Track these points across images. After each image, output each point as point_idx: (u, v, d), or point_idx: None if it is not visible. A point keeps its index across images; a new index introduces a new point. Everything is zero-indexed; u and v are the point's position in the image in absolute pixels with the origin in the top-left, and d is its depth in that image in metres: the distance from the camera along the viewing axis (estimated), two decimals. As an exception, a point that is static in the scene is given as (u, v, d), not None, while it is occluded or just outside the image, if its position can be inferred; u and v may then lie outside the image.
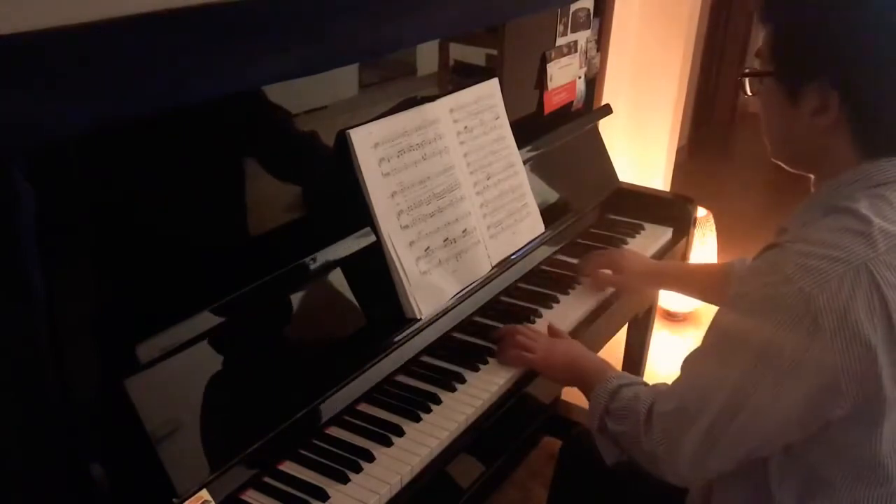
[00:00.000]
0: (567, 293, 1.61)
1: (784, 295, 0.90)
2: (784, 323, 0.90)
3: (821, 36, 0.97)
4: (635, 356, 2.16)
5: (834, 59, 0.96)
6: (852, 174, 0.98)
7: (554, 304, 1.57)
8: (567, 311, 1.56)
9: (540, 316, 1.52)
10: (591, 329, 1.57)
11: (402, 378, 1.32)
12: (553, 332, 1.43)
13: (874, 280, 0.88)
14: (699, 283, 1.59)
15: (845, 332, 0.88)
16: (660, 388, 1.12)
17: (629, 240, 1.87)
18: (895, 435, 0.95)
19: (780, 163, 1.09)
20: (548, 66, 1.82)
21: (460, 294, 1.45)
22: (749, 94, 1.08)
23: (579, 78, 1.96)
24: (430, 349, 1.39)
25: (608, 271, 1.64)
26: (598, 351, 1.67)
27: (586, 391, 1.26)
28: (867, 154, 0.98)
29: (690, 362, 1.06)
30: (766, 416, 0.95)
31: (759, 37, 1.06)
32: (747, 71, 1.08)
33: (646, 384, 1.18)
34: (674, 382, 1.08)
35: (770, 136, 1.09)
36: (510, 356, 1.36)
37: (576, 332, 1.52)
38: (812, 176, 1.07)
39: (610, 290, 1.64)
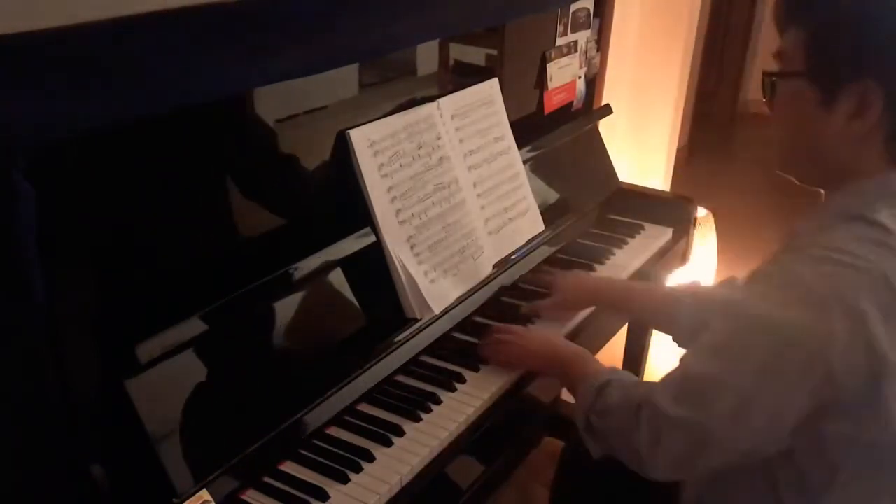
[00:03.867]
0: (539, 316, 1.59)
1: (799, 300, 0.89)
2: (797, 328, 0.89)
3: (867, 34, 0.93)
4: (635, 356, 2.16)
5: (880, 59, 0.92)
6: (873, 184, 0.96)
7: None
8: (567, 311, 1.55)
9: (540, 316, 1.52)
10: (591, 329, 1.56)
11: (402, 378, 1.32)
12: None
13: (892, 290, 0.88)
14: (639, 307, 1.50)
15: (859, 342, 0.87)
16: (653, 386, 1.07)
17: (629, 240, 1.86)
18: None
19: (788, 175, 1.06)
20: (548, 66, 1.81)
21: (460, 294, 1.45)
22: (765, 98, 1.03)
23: (579, 78, 1.96)
24: (430, 349, 1.39)
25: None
26: (597, 351, 1.68)
27: (568, 383, 1.25)
28: (894, 162, 0.96)
29: (691, 360, 1.03)
30: (766, 420, 0.94)
31: (768, 38, 1.05)
32: (776, 71, 1.02)
33: (633, 379, 1.16)
34: (669, 379, 1.03)
35: (787, 144, 1.05)
36: (489, 354, 1.35)
37: (576, 332, 1.52)
38: (822, 191, 1.05)
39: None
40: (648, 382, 1.10)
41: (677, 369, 1.04)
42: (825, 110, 0.96)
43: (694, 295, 1.40)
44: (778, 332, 0.91)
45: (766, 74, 1.03)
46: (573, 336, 1.51)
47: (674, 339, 1.43)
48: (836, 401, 0.90)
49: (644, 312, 1.51)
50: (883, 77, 0.92)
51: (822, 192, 1.06)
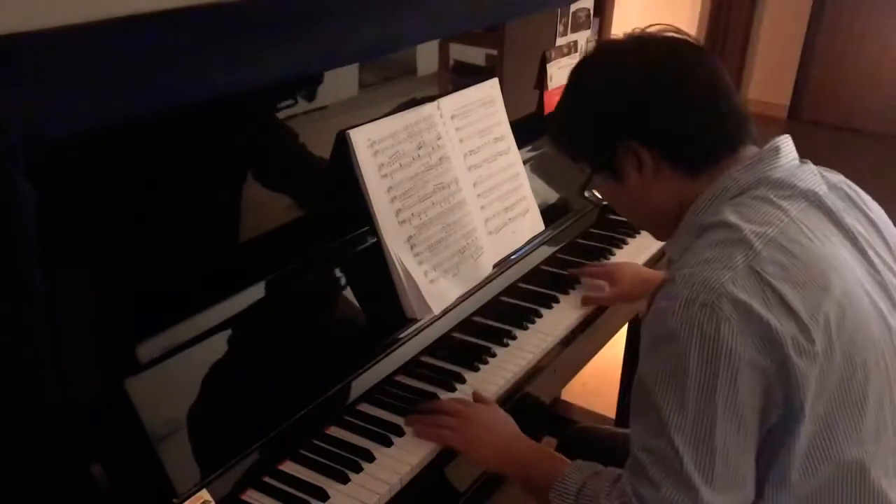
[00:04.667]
0: (567, 293, 1.60)
1: (689, 317, 0.89)
2: (702, 343, 0.88)
3: (597, 115, 1.06)
4: (635, 356, 2.15)
5: (620, 123, 1.03)
6: (709, 192, 1.02)
7: (554, 304, 1.56)
8: (567, 311, 1.55)
9: (540, 316, 1.52)
10: (591, 329, 1.57)
11: (402, 378, 1.32)
12: (478, 398, 1.26)
13: (762, 277, 0.90)
14: None
15: (755, 332, 0.88)
16: (618, 483, 0.99)
17: (629, 240, 1.86)
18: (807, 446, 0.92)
19: (664, 237, 1.13)
20: (548, 66, 1.82)
21: (460, 294, 1.45)
22: (605, 202, 1.18)
23: (579, 78, 1.96)
24: (430, 349, 1.39)
25: (603, 283, 1.60)
26: (597, 351, 1.68)
27: (526, 483, 1.14)
28: (695, 172, 1.03)
29: (637, 437, 0.96)
30: (737, 439, 0.90)
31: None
32: (583, 186, 1.17)
33: (602, 470, 1.05)
34: (633, 464, 0.96)
35: (638, 220, 1.20)
36: (424, 432, 1.18)
37: (576, 333, 1.52)
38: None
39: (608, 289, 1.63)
40: (617, 479, 1.00)
41: (634, 454, 0.96)
42: (623, 182, 1.06)
43: None
44: (689, 363, 0.89)
45: (585, 191, 1.20)
46: (573, 336, 1.51)
47: None
48: (767, 394, 0.90)
49: None
50: (631, 132, 1.03)
51: None
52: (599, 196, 1.17)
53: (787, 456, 0.93)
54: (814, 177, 1.02)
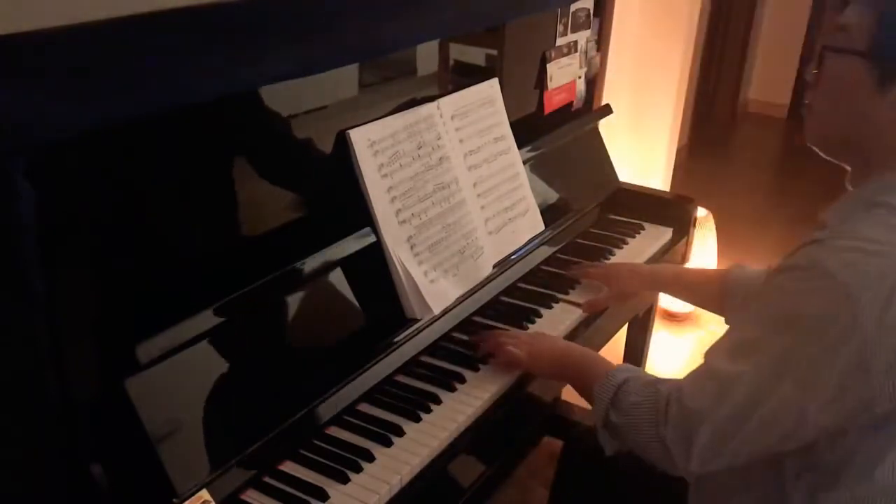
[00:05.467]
0: (567, 293, 1.61)
1: (824, 289, 0.89)
2: (822, 317, 0.89)
3: None
4: (635, 356, 2.16)
5: None
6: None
7: (554, 304, 1.57)
8: (567, 311, 1.56)
9: (540, 316, 1.52)
10: (592, 329, 1.57)
11: (402, 378, 1.32)
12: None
13: None
14: (694, 289, 1.57)
15: (884, 329, 0.87)
16: (677, 383, 1.07)
17: (629, 240, 1.87)
18: None
19: (816, 147, 1.06)
20: (548, 66, 1.82)
21: (460, 294, 1.45)
22: (815, 70, 1.03)
23: (579, 78, 1.96)
24: (430, 349, 1.39)
25: (600, 285, 1.61)
26: (597, 351, 1.67)
27: (580, 384, 1.24)
28: None
29: (714, 352, 1.04)
30: (790, 410, 0.93)
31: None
32: (836, 45, 1.00)
33: (651, 376, 1.15)
34: (695, 376, 1.04)
35: (827, 118, 1.04)
36: (495, 350, 1.35)
37: (576, 332, 1.52)
38: (848, 167, 1.06)
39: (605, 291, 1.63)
40: (670, 379, 1.10)
41: (703, 366, 1.05)
42: (878, 93, 0.96)
43: (743, 277, 1.43)
44: (802, 324, 0.91)
45: (825, 48, 1.02)
46: (573, 336, 1.51)
47: (725, 321, 1.46)
48: (861, 394, 0.90)
49: (700, 295, 1.55)
50: None
51: (850, 186, 1.06)
52: (811, 78, 1.03)
53: (879, 450, 0.93)
54: None
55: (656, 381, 1.11)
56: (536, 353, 1.32)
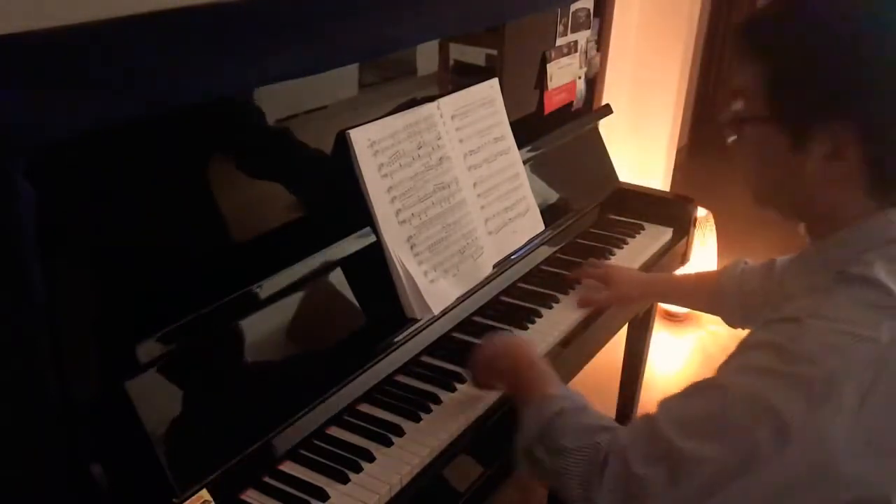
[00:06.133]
0: (567, 293, 1.61)
1: (807, 375, 0.82)
2: (795, 409, 0.81)
3: (837, 68, 0.84)
4: (635, 356, 2.16)
5: (854, 97, 0.84)
6: (861, 231, 0.89)
7: (554, 304, 1.56)
8: (567, 311, 1.56)
9: (540, 316, 1.52)
10: (592, 329, 1.57)
11: (402, 378, 1.32)
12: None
13: None
14: (689, 293, 1.55)
15: (863, 419, 0.81)
16: (620, 437, 0.95)
17: (629, 240, 1.86)
18: None
19: (767, 211, 0.99)
20: (548, 66, 1.81)
21: (460, 294, 1.45)
22: (729, 140, 0.96)
23: (579, 78, 1.96)
24: (430, 349, 1.39)
25: (599, 285, 1.60)
26: (597, 351, 1.68)
27: (516, 391, 1.15)
28: (883, 203, 0.88)
29: (669, 416, 0.92)
30: (750, 497, 0.86)
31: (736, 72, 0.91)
32: (736, 114, 0.93)
33: (589, 418, 1.02)
34: (639, 434, 0.93)
35: (759, 186, 0.98)
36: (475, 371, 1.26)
37: (576, 333, 1.52)
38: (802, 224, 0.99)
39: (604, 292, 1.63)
40: (612, 428, 0.99)
41: (650, 425, 0.93)
42: (797, 154, 0.88)
43: (739, 276, 1.40)
44: (771, 416, 0.83)
45: (724, 120, 0.95)
46: (573, 335, 1.51)
47: (725, 322, 1.45)
48: (836, 478, 0.84)
49: (697, 299, 1.53)
50: (860, 115, 0.84)
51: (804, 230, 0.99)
52: (730, 140, 0.96)
53: None
54: None
55: (596, 429, 0.98)
56: (495, 347, 1.24)
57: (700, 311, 1.59)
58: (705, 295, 1.48)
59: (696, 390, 0.92)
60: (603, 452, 0.94)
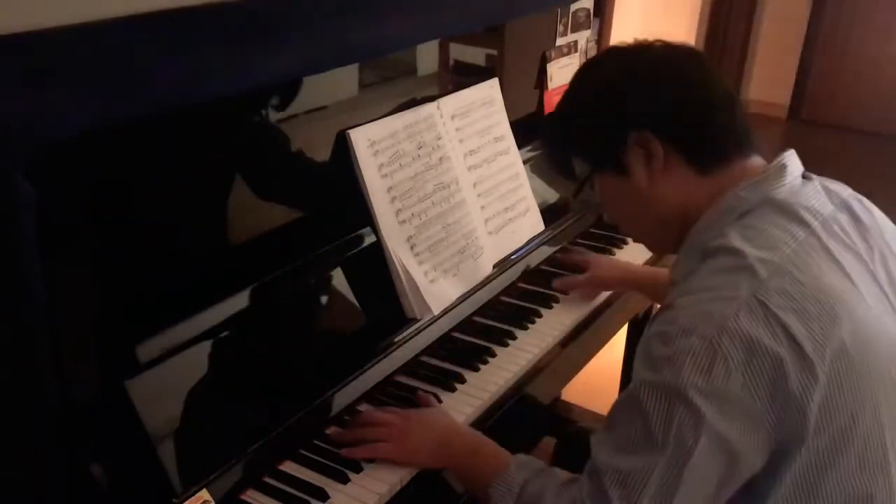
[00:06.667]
0: (567, 293, 1.60)
1: (687, 347, 0.86)
2: (697, 373, 0.86)
3: (614, 98, 1.02)
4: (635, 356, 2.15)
5: (631, 112, 1.01)
6: (715, 213, 0.99)
7: (554, 304, 1.56)
8: (567, 311, 1.55)
9: (540, 316, 1.52)
10: (591, 329, 1.57)
11: (402, 378, 1.32)
12: (423, 401, 1.24)
13: (768, 308, 0.86)
14: (666, 287, 1.55)
15: (756, 362, 0.85)
16: (575, 491, 0.95)
17: (629, 240, 1.86)
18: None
19: (667, 253, 1.11)
20: (548, 66, 1.82)
21: (460, 294, 1.45)
22: (598, 201, 1.12)
23: (579, 78, 1.96)
24: (430, 349, 1.39)
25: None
26: (597, 351, 1.68)
27: (468, 474, 1.12)
28: (706, 171, 1.01)
29: (604, 450, 0.94)
30: (705, 479, 0.88)
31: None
32: (578, 188, 1.12)
33: (558, 474, 1.03)
34: (591, 480, 0.94)
35: (638, 229, 1.14)
36: (354, 452, 1.13)
37: (575, 333, 1.52)
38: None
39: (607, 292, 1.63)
40: (569, 483, 0.99)
41: (595, 469, 0.94)
42: (628, 177, 1.03)
43: None
44: (682, 389, 0.86)
45: (575, 194, 1.14)
46: (573, 335, 1.51)
47: None
48: (756, 435, 0.87)
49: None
50: (642, 121, 1.00)
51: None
52: (598, 198, 1.12)
53: (767, 499, 0.90)
54: (819, 196, 0.99)
55: (566, 485, 0.99)
56: (409, 444, 1.13)
57: None
58: None
59: (614, 410, 0.96)
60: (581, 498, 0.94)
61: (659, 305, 2.14)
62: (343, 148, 1.29)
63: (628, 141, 1.01)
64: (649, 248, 1.18)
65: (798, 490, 0.90)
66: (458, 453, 1.13)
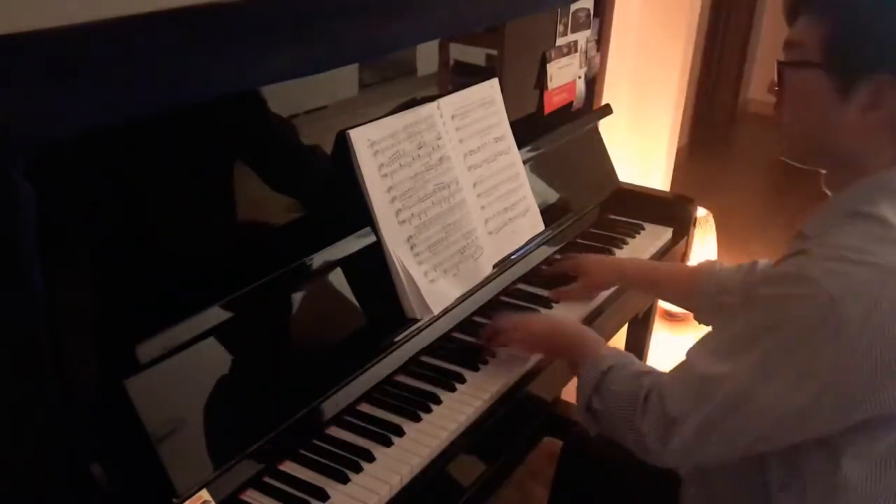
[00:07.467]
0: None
1: (809, 296, 0.90)
2: (806, 323, 0.90)
3: (888, 26, 0.94)
4: (635, 356, 2.15)
5: None
6: (878, 179, 0.97)
7: (554, 304, 1.57)
8: (566, 312, 1.56)
9: (566, 301, 1.53)
10: (592, 328, 1.56)
11: (402, 378, 1.32)
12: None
13: None
14: (659, 283, 1.58)
15: (866, 335, 0.87)
16: (660, 378, 1.09)
17: (629, 240, 1.86)
18: None
19: (792, 160, 1.07)
20: (548, 66, 1.82)
21: (460, 294, 1.45)
22: (777, 86, 1.04)
23: (579, 78, 1.96)
24: (430, 349, 1.39)
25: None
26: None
27: (571, 362, 1.25)
28: None
29: (697, 352, 1.05)
30: (768, 413, 0.95)
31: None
32: (792, 61, 1.02)
33: (636, 366, 1.16)
34: (677, 372, 1.06)
35: (797, 133, 1.05)
36: (494, 343, 1.37)
37: (576, 332, 1.52)
38: (823, 171, 1.07)
39: (607, 291, 1.63)
40: (654, 372, 1.11)
41: (685, 364, 1.05)
42: (840, 100, 0.97)
43: (717, 275, 1.44)
44: (786, 329, 0.93)
45: (781, 63, 1.03)
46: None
47: (695, 317, 1.49)
48: (843, 401, 0.91)
49: (668, 290, 1.57)
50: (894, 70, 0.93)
51: (826, 189, 1.07)
52: (774, 95, 1.05)
53: (858, 457, 0.94)
54: None
55: (640, 374, 1.12)
56: (529, 330, 1.36)
57: (668, 301, 1.65)
58: (679, 291, 1.52)
59: (719, 325, 1.05)
60: (645, 390, 1.06)
61: (658, 303, 2.17)
62: (343, 148, 1.29)
63: (870, 76, 0.95)
64: (785, 148, 1.08)
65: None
66: (566, 341, 1.30)
